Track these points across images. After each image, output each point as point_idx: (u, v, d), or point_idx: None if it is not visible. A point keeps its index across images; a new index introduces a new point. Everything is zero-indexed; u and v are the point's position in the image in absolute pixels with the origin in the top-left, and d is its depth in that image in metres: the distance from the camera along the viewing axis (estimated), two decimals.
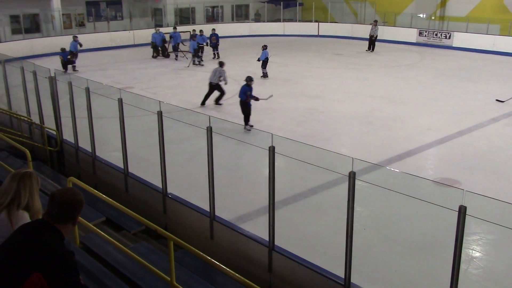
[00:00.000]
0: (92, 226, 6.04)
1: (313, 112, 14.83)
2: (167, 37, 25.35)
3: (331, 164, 6.08)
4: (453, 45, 27.67)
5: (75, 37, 22.37)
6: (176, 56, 24.52)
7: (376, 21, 27.39)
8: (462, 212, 4.51)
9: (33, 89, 10.91)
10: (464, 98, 16.72)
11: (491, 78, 20.11)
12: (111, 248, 5.95)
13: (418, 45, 29.00)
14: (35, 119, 11.26)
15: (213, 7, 36.16)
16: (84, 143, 9.88)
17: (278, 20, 35.30)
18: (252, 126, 12.94)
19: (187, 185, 9.22)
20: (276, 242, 6.42)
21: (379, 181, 5.54)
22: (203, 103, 15.50)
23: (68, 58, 20.98)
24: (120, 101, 8.44)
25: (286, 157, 6.50)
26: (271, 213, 6.32)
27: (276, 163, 6.17)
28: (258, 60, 20.21)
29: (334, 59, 24.85)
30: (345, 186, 5.44)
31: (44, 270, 2.72)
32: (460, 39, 27.53)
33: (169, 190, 7.96)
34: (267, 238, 6.44)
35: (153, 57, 25.26)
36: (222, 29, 30.68)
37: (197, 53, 23.13)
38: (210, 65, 22.33)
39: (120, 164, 8.89)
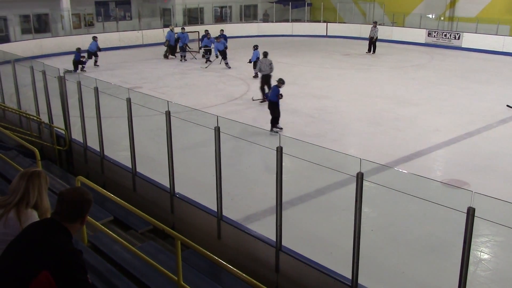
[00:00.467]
0: (100, 225, 6.06)
1: (321, 113, 14.80)
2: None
3: (338, 165, 6.08)
4: (462, 46, 27.50)
5: (94, 37, 22.64)
6: (182, 57, 24.22)
7: (375, 22, 26.95)
8: (470, 213, 4.48)
9: (42, 89, 10.97)
10: (473, 99, 16.62)
11: (501, 79, 19.98)
12: (118, 247, 5.97)
13: (427, 46, 28.86)
14: (44, 118, 11.32)
15: (221, 7, 36.21)
16: (93, 143, 9.93)
17: (287, 21, 35.27)
18: (281, 128, 12.85)
19: (194, 185, 9.23)
20: (284, 243, 6.42)
21: (387, 182, 5.52)
22: (263, 99, 15.47)
23: (81, 59, 21.07)
24: (129, 101, 8.47)
25: (293, 158, 6.50)
26: (278, 213, 6.31)
27: (283, 164, 6.17)
28: (250, 61, 20.17)
29: (342, 60, 24.79)
30: (352, 187, 5.43)
31: (52, 268, 2.73)
32: (469, 39, 27.35)
33: (177, 190, 7.98)
34: (274, 239, 6.44)
35: (165, 56, 24.94)
36: (230, 29, 30.76)
37: (206, 53, 23.04)
38: (214, 67, 22.38)
39: (128, 164, 8.93)
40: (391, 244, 7.73)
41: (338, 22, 34.24)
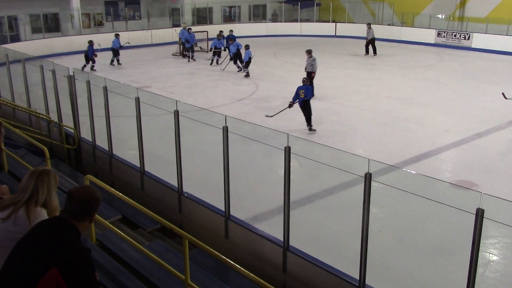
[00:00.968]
0: (109, 223, 6.08)
1: (329, 113, 14.77)
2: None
3: (347, 165, 6.06)
4: (472, 46, 27.29)
5: (117, 35, 22.87)
6: (189, 57, 24.11)
7: (369, 24, 26.51)
8: (479, 215, 4.46)
9: (52, 88, 11.04)
10: (482, 100, 16.51)
11: (511, 80, 19.81)
12: (126, 246, 6.00)
13: (436, 46, 28.69)
14: (54, 117, 11.39)
15: (230, 7, 36.24)
16: (101, 142, 9.97)
17: (295, 20, 35.22)
18: (315, 130, 12.96)
19: (202, 184, 9.25)
20: (291, 243, 6.41)
21: (395, 183, 5.50)
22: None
23: (93, 56, 21.16)
24: (137, 100, 8.50)
25: (301, 158, 6.49)
26: (286, 213, 6.31)
27: (291, 163, 6.17)
28: (242, 61, 20.14)
29: (351, 60, 24.72)
30: (361, 187, 5.42)
31: (61, 266, 2.75)
32: (479, 40, 27.13)
33: (185, 189, 8.00)
34: (281, 238, 6.44)
35: (183, 55, 24.83)
36: (239, 29, 30.75)
37: (215, 54, 22.90)
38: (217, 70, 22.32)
39: (137, 163, 8.96)
40: (399, 245, 7.71)
41: (347, 22, 34.14)
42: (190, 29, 25.27)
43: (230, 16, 36.46)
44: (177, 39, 26.45)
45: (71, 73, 10.41)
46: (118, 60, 22.85)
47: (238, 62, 21.17)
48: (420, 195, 5.13)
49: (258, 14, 37.68)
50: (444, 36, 28.77)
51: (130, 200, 5.89)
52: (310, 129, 12.93)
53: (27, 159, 8.52)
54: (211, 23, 32.94)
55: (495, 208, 4.68)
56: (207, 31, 26.76)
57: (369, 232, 5.49)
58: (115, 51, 22.61)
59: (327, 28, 33.72)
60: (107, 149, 9.68)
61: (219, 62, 22.90)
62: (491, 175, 10.23)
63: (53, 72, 10.78)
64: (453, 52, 27.03)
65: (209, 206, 7.60)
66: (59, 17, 28.48)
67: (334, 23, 33.76)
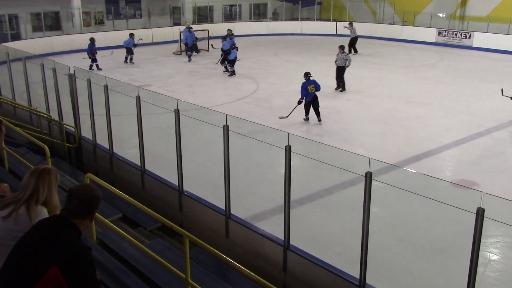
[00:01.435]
0: (109, 222, 6.09)
1: (330, 112, 14.76)
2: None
3: (347, 164, 6.06)
4: (473, 45, 27.26)
5: (131, 34, 22.91)
6: (189, 57, 23.92)
7: (351, 22, 26.47)
8: (480, 214, 4.46)
9: (53, 86, 11.04)
10: (483, 99, 16.50)
11: None
12: (127, 244, 6.00)
13: (437, 45, 28.65)
14: (54, 115, 11.39)
15: (231, 6, 36.22)
16: (102, 140, 9.98)
17: (296, 19, 35.20)
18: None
19: (203, 183, 9.25)
20: (291, 241, 6.42)
21: (396, 182, 5.50)
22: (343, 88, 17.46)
23: (95, 56, 21.14)
24: (138, 99, 8.50)
25: (302, 157, 6.49)
26: (286, 212, 6.31)
27: (292, 162, 6.17)
28: (228, 60, 20.13)
29: (352, 59, 24.64)
30: (361, 186, 5.42)
31: (61, 264, 2.76)
32: (480, 39, 27.10)
33: (185, 187, 8.00)
34: (282, 237, 6.44)
35: (189, 56, 24.34)
36: (240, 27, 30.75)
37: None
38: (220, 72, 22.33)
39: (137, 161, 8.96)
40: (400, 244, 7.71)
41: (348, 21, 34.07)
42: (191, 28, 25.10)
43: (230, 15, 36.45)
44: (179, 37, 26.36)
45: (72, 72, 10.41)
46: (131, 59, 22.90)
47: (225, 62, 20.84)
48: (420, 194, 5.13)
49: (258, 12, 37.67)
50: (445, 35, 28.74)
51: (131, 198, 5.89)
52: (320, 120, 13.53)
53: (28, 158, 8.51)
54: (211, 21, 32.91)
55: (496, 207, 4.68)
56: (208, 30, 26.73)
57: (370, 231, 5.49)
58: (129, 49, 22.74)
59: (328, 27, 33.66)
60: (108, 147, 9.68)
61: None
62: (492, 174, 10.22)
63: (54, 70, 10.79)
64: (454, 51, 27.00)
65: (209, 204, 7.61)
66: (59, 15, 28.47)
67: (335, 22, 33.72)
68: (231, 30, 23.26)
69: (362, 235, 5.49)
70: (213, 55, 24.03)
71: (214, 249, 4.85)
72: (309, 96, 13.37)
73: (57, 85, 10.95)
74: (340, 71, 17.53)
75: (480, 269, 6.17)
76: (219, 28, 28.67)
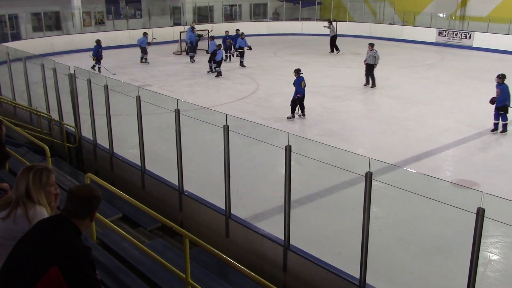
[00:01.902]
0: (109, 222, 6.09)
1: (330, 112, 14.77)
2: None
3: (347, 164, 6.06)
4: (473, 45, 27.24)
5: (145, 34, 23.08)
6: (191, 57, 23.89)
7: (330, 20, 26.57)
8: (480, 214, 4.46)
9: (53, 86, 11.04)
10: (483, 99, 16.41)
11: None
12: (127, 244, 6.00)
13: (437, 45, 28.65)
14: (55, 115, 11.39)
15: (231, 6, 36.21)
16: (102, 140, 9.98)
17: (296, 19, 35.18)
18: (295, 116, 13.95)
19: (203, 183, 9.25)
20: (292, 241, 6.42)
21: (396, 182, 5.50)
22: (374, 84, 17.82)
23: (95, 57, 21.09)
24: (138, 99, 8.50)
25: (302, 157, 6.49)
26: (286, 212, 6.31)
27: (292, 162, 6.16)
28: (215, 61, 20.18)
29: (352, 59, 24.67)
30: (361, 186, 5.42)
31: (61, 264, 2.75)
32: (480, 39, 27.09)
33: (185, 187, 8.00)
34: (282, 237, 6.44)
35: (191, 57, 24.12)
36: (240, 27, 30.66)
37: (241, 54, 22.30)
38: (224, 66, 22.33)
39: (137, 161, 8.96)
40: (400, 244, 7.71)
41: (348, 21, 34.09)
42: (194, 28, 24.93)
43: (231, 15, 36.44)
44: (179, 37, 26.37)
45: (72, 72, 10.41)
46: (146, 59, 23.01)
47: (212, 62, 20.69)
48: (420, 194, 5.14)
49: (259, 12, 37.66)
50: (445, 35, 28.73)
51: (131, 198, 5.89)
52: (305, 115, 13.90)
53: (28, 158, 8.51)
54: (212, 21, 32.90)
55: (496, 207, 4.68)
56: (208, 30, 26.70)
57: (370, 231, 5.49)
58: (143, 48, 22.84)
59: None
60: (108, 147, 9.68)
61: (243, 63, 22.28)
62: (492, 174, 10.22)
63: (54, 70, 10.79)
64: (454, 51, 26.99)
65: (209, 204, 7.61)
66: (60, 15, 28.47)
67: (335, 22, 33.66)
68: (238, 30, 23.42)
69: (362, 235, 5.49)
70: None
71: (214, 249, 4.85)
72: (302, 92, 13.51)
73: (57, 85, 10.95)
74: (370, 69, 17.93)
75: (480, 269, 6.17)
76: (219, 28, 28.63)
